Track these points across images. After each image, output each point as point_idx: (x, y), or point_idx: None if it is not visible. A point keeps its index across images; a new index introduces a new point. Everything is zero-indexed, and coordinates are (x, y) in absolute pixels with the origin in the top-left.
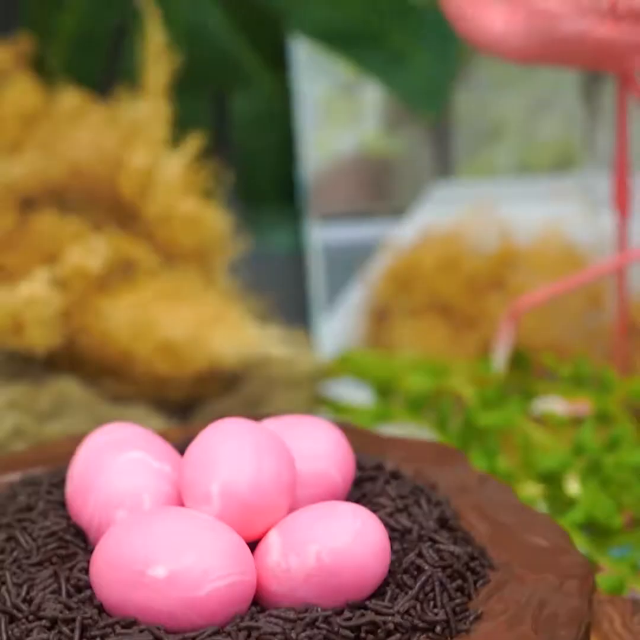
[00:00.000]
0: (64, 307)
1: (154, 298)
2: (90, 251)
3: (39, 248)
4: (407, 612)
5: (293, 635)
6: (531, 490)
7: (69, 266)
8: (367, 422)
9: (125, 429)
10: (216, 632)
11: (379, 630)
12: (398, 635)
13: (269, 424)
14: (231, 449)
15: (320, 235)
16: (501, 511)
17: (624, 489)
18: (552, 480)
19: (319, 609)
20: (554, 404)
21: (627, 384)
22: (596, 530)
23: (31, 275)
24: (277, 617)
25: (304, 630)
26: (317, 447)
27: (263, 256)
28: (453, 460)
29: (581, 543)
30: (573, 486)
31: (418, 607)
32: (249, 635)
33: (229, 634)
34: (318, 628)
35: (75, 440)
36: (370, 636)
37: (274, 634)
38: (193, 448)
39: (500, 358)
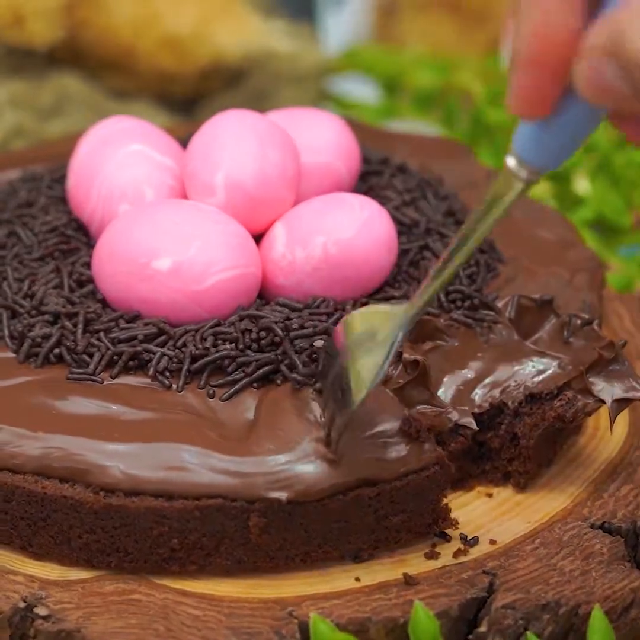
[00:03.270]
0: (65, 0)
1: None
2: None
3: None
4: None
5: (295, 323)
6: (540, 188)
7: None
8: (374, 119)
9: (127, 122)
10: (218, 324)
11: None
12: None
13: (273, 116)
14: (235, 140)
15: None
16: None
17: (634, 187)
18: (561, 178)
19: (331, 302)
20: None
21: None
22: (606, 228)
23: None
24: (283, 305)
25: (310, 319)
26: (321, 139)
27: None
28: (460, 155)
29: (591, 242)
30: (582, 184)
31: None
32: (251, 324)
33: (232, 324)
34: (325, 315)
35: (77, 139)
36: None
37: (276, 322)
38: (196, 139)
39: (509, 55)
